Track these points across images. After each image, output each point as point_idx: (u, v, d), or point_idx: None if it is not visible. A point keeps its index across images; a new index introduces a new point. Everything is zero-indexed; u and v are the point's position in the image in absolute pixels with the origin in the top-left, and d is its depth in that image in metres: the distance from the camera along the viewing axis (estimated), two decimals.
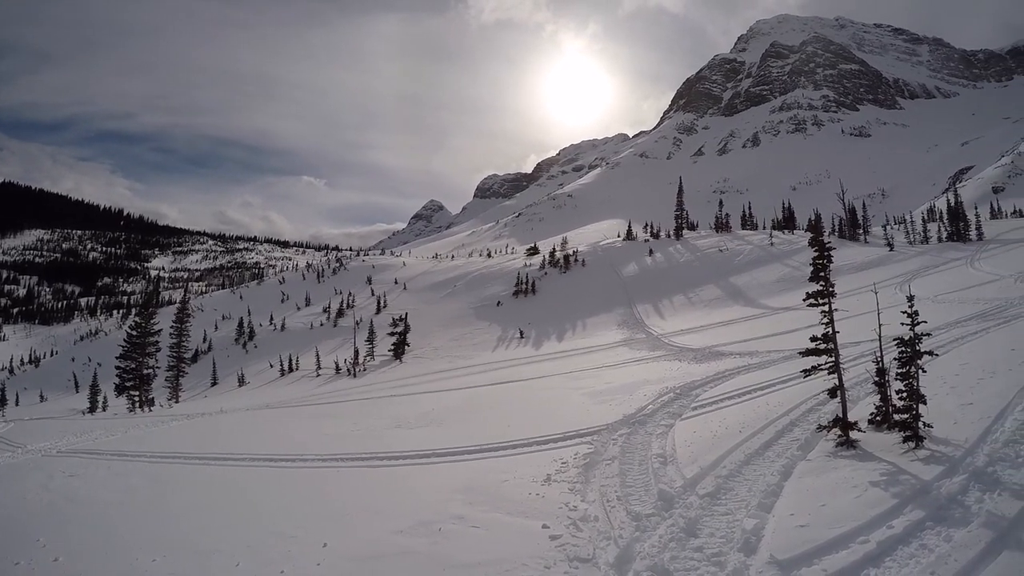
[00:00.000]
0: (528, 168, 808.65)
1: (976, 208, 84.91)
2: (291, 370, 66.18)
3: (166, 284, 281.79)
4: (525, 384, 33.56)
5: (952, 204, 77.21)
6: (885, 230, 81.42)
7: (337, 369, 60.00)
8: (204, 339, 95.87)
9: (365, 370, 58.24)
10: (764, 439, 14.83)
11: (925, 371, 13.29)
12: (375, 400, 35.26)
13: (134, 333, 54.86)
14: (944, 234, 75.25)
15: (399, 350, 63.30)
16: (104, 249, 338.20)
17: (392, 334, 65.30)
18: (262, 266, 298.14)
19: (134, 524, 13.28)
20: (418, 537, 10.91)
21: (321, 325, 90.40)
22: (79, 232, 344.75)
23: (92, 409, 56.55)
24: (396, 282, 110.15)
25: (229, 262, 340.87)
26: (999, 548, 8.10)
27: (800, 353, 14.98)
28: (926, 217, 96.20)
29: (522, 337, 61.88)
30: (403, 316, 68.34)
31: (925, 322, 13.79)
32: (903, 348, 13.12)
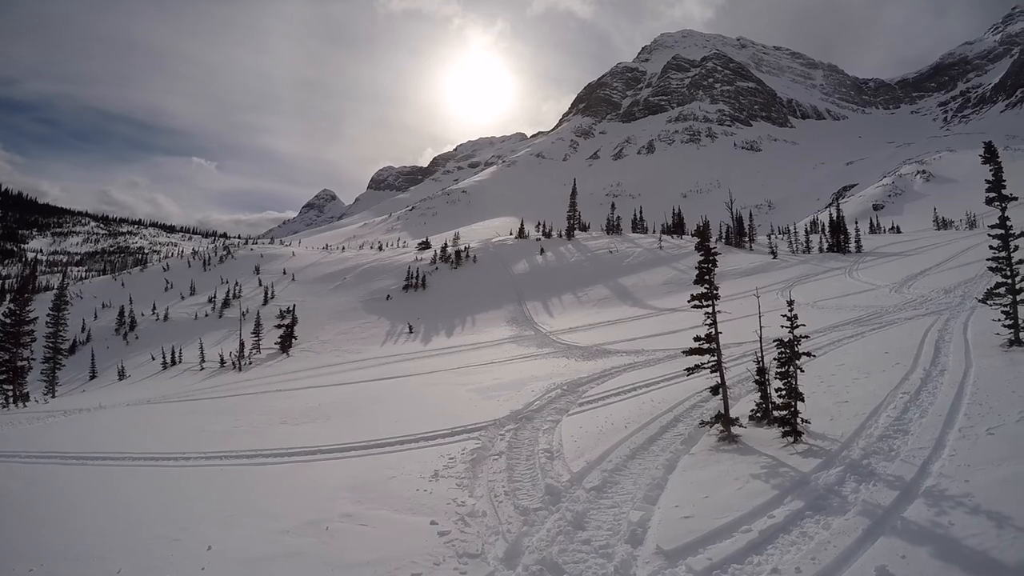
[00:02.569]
0: (424, 162, 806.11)
1: (857, 223, 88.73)
2: (174, 363, 63.88)
3: (44, 268, 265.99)
4: (413, 379, 33.21)
5: (834, 218, 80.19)
6: (770, 239, 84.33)
7: (222, 362, 58.22)
8: (83, 329, 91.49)
9: (251, 363, 56.68)
10: (649, 434, 15.16)
11: (803, 371, 13.96)
12: (260, 395, 34.26)
13: (8, 321, 52.07)
14: (825, 245, 77.94)
15: (286, 343, 61.87)
16: None
17: (279, 326, 63.77)
18: (146, 251, 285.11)
19: (8, 531, 12.56)
20: (305, 537, 10.67)
21: (206, 316, 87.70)
22: None
23: None
24: (284, 272, 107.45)
25: (111, 246, 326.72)
26: (876, 534, 8.53)
27: (684, 352, 15.33)
28: (809, 229, 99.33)
29: (411, 332, 61.40)
30: (291, 308, 66.88)
31: (804, 325, 14.44)
32: (783, 349, 13.68)
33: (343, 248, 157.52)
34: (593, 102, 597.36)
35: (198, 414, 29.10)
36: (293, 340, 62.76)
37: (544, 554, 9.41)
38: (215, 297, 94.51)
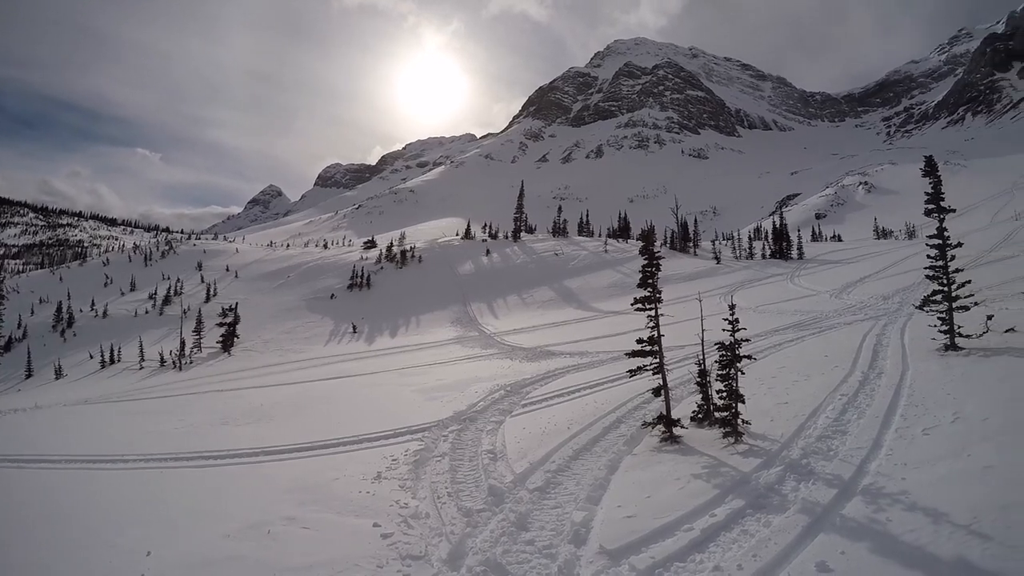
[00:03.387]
0: (372, 160, 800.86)
1: (799, 230, 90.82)
2: (113, 361, 62.41)
3: None
4: (356, 380, 33.05)
5: (777, 225, 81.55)
6: (714, 244, 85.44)
7: (162, 361, 56.90)
8: (19, 325, 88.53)
9: (191, 363, 55.59)
10: (592, 435, 15.30)
11: (744, 373, 14.25)
12: (201, 395, 33.71)
13: None
14: (768, 252, 79.20)
15: (228, 342, 60.79)
16: None
17: (221, 325, 62.62)
18: (86, 245, 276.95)
19: None
20: (247, 541, 10.47)
21: (146, 313, 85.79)
22: None
23: None
24: (228, 269, 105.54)
25: (50, 238, 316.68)
26: (816, 531, 8.71)
27: (627, 354, 15.52)
28: (752, 235, 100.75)
29: (355, 332, 60.83)
30: (233, 306, 65.82)
31: (745, 329, 14.76)
32: (724, 352, 13.90)
33: (287, 245, 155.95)
34: (544, 105, 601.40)
35: (137, 415, 28.50)
36: (235, 339, 61.80)
37: (488, 555, 9.41)
38: (156, 294, 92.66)
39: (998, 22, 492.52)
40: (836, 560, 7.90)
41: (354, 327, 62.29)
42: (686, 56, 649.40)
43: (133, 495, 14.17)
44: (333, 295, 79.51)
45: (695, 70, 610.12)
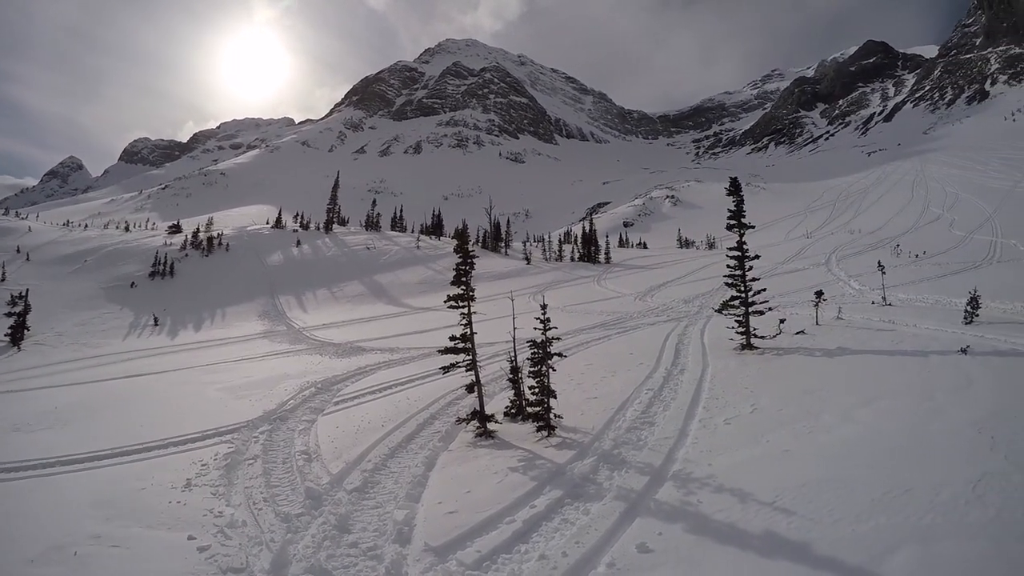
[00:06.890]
0: (184, 137, 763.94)
1: (607, 236, 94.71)
2: None
3: None
4: (159, 377, 31.33)
5: (587, 230, 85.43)
6: (525, 246, 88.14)
7: None
8: None
9: None
10: (407, 432, 15.51)
11: (555, 370, 15.02)
12: None
13: None
14: (577, 255, 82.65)
15: (17, 335, 56.13)
16: None
17: (10, 315, 57.70)
18: None
19: None
20: (54, 565, 9.61)
21: None
22: None
23: None
24: (19, 251, 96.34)
25: None
26: (633, 516, 9.36)
27: (440, 351, 15.90)
28: (563, 239, 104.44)
29: (156, 324, 57.68)
30: (24, 293, 61.19)
31: (556, 327, 15.36)
32: (535, 349, 14.58)
33: (86, 226, 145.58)
34: (367, 96, 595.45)
35: None
36: (26, 331, 57.39)
37: (312, 561, 9.33)
38: None
39: (808, 67, 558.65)
40: (655, 541, 8.52)
41: (156, 319, 59.24)
42: (514, 63, 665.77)
43: None
44: (134, 283, 74.96)
45: (521, 77, 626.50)
